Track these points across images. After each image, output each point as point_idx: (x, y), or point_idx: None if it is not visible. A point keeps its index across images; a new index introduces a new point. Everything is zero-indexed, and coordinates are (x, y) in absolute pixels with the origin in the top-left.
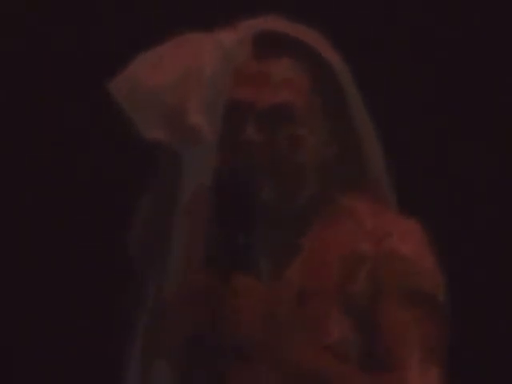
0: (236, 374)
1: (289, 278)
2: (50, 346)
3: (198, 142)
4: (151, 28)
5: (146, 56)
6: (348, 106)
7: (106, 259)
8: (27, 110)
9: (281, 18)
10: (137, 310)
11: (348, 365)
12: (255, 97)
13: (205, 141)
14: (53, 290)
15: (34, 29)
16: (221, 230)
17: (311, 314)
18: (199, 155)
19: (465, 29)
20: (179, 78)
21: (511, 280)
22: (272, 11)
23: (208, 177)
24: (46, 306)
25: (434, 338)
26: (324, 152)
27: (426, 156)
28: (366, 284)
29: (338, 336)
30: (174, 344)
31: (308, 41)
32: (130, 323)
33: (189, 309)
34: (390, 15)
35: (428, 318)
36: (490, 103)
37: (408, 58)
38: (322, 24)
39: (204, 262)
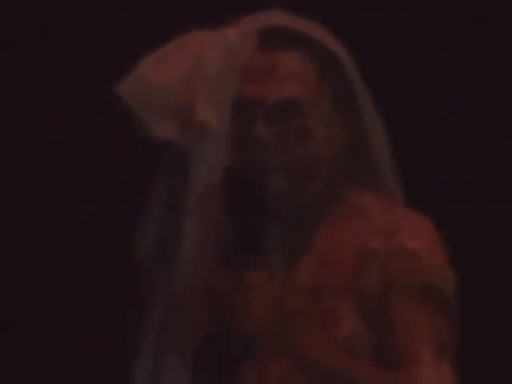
0: (247, 369)
1: (300, 275)
2: (50, 345)
3: (207, 137)
4: (152, 28)
5: (152, 56)
6: (356, 99)
7: (106, 259)
8: (27, 109)
9: (284, 13)
10: (141, 309)
11: (360, 360)
12: (263, 92)
13: (214, 136)
14: (53, 290)
15: (34, 29)
16: (232, 227)
17: (322, 310)
18: (209, 153)
19: (465, 29)
20: (186, 75)
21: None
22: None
23: (218, 175)
24: (46, 306)
25: (445, 334)
26: (335, 144)
27: (426, 156)
28: (377, 280)
29: (349, 332)
30: (186, 342)
31: (313, 34)
32: (130, 323)
33: (200, 307)
34: (391, 15)
35: (438, 313)
36: (490, 103)
37: (408, 58)
38: (321, 24)
39: (216, 260)
